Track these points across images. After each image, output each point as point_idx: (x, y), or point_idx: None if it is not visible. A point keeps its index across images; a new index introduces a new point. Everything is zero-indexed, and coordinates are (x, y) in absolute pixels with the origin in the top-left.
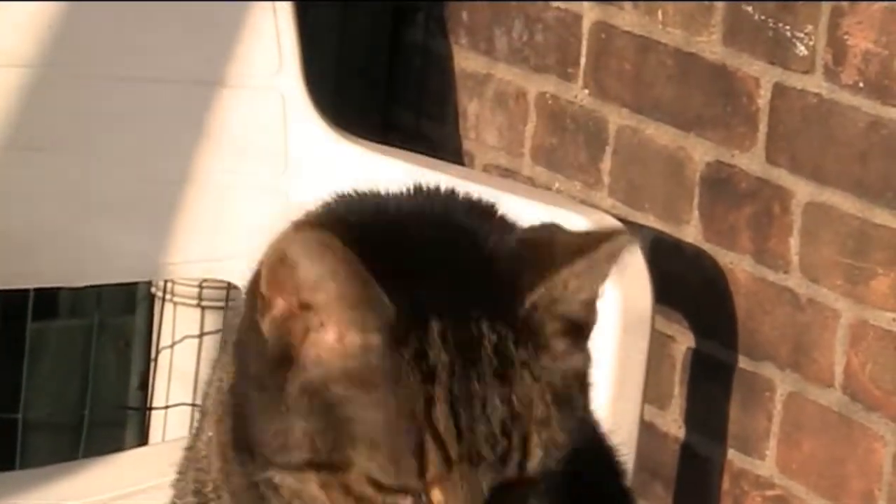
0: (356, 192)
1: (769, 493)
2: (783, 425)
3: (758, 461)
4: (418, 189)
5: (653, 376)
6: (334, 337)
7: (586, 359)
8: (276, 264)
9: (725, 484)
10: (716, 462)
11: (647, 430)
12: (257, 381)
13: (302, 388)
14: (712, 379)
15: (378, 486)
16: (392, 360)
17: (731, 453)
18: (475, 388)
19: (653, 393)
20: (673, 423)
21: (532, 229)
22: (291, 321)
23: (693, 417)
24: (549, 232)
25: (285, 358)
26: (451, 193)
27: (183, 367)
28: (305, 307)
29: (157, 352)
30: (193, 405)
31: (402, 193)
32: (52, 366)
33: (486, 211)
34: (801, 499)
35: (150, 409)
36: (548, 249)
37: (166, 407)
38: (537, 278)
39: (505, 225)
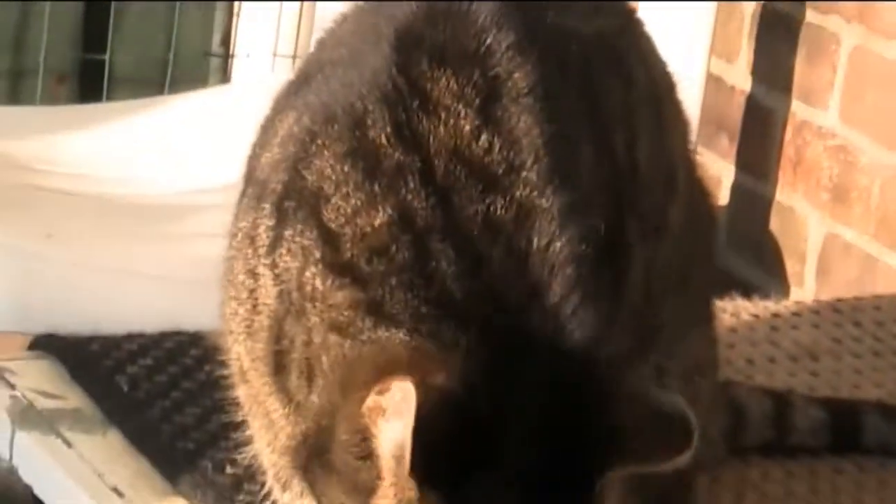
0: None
1: (830, 143)
2: (847, 77)
3: (821, 112)
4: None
5: (721, 31)
6: (391, 500)
7: None
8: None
9: (788, 135)
10: (780, 113)
11: (714, 83)
12: (342, 450)
13: None
14: (779, 33)
15: None
16: None
17: (795, 105)
18: None
19: (721, 47)
20: (739, 76)
21: (625, 401)
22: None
23: (760, 70)
24: (637, 412)
25: (366, 484)
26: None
27: (264, 15)
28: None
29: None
30: (275, 55)
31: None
32: (138, 21)
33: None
34: (861, 149)
35: (232, 56)
36: (636, 436)
37: (248, 56)
38: (621, 464)
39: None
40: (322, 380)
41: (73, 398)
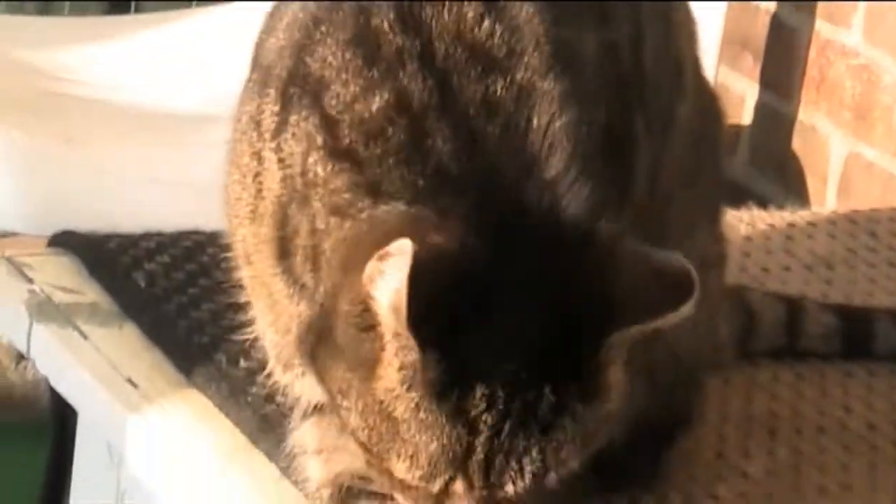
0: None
1: (853, 62)
2: None
3: (844, 31)
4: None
5: None
6: (395, 369)
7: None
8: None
9: (812, 54)
10: (804, 33)
11: (738, 2)
12: (344, 322)
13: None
14: None
15: (406, 487)
16: (436, 410)
17: (819, 24)
18: (517, 445)
19: None
20: None
21: (624, 262)
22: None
23: None
24: (636, 272)
25: (369, 356)
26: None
27: None
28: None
29: None
30: None
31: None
32: None
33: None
34: (884, 68)
35: None
36: (637, 296)
37: None
38: (622, 324)
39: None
40: (325, 266)
41: (91, 293)
